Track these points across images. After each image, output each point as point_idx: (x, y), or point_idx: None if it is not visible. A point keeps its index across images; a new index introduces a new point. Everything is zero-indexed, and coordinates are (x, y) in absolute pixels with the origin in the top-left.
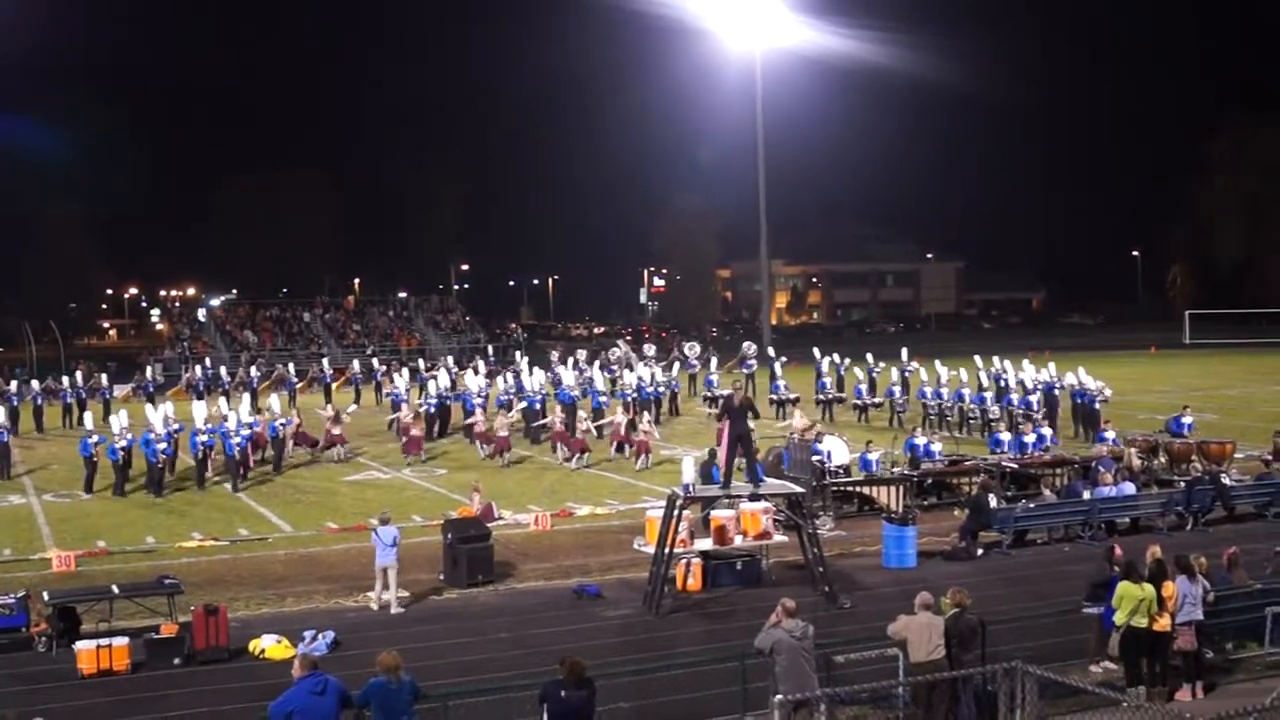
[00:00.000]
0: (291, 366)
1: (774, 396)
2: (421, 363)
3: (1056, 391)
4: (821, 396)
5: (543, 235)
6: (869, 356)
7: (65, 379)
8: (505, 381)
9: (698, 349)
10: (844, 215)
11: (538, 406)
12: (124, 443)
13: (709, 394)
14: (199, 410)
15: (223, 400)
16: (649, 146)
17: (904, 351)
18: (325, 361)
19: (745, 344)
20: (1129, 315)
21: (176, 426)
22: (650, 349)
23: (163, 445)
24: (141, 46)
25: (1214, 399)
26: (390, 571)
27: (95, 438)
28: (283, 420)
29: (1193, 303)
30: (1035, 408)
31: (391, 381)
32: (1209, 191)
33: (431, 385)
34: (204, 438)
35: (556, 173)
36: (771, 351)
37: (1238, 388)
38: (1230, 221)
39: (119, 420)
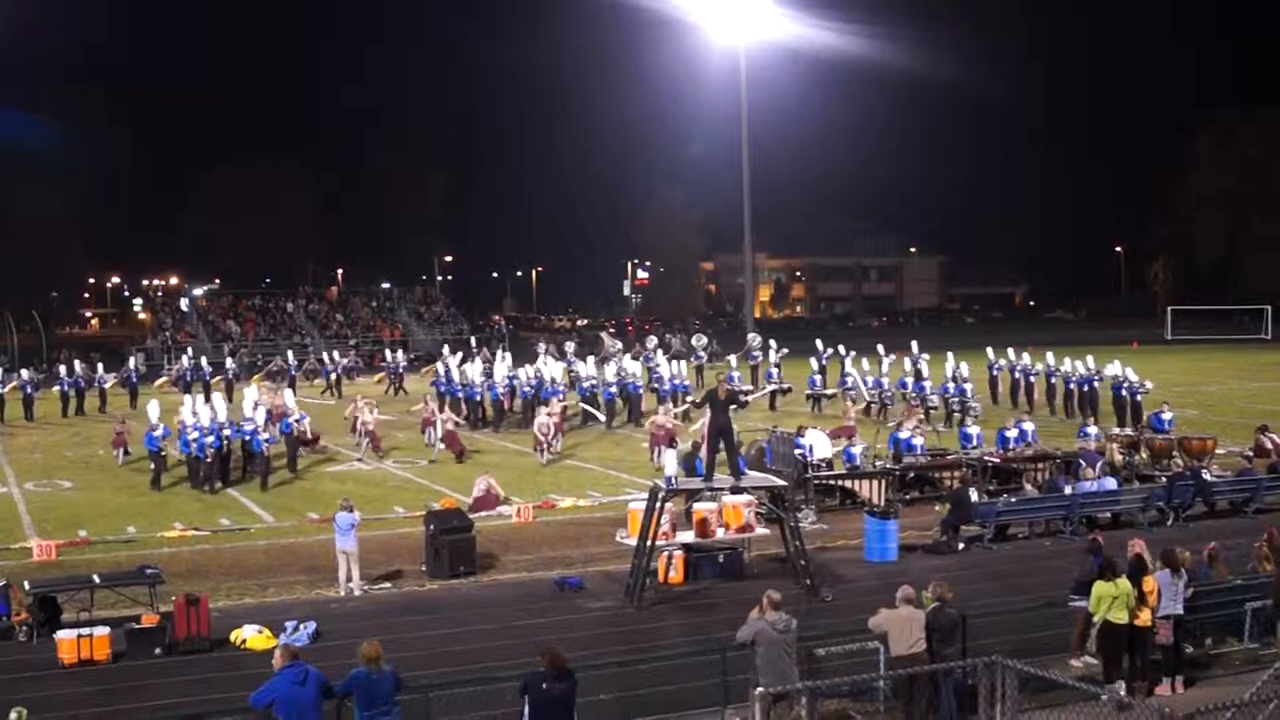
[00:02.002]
0: (291, 355)
1: (810, 391)
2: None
3: (1096, 384)
4: (810, 391)
5: (527, 227)
6: (880, 347)
7: (62, 368)
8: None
9: (705, 341)
10: (827, 209)
11: (562, 397)
12: (195, 434)
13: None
14: (219, 404)
15: (249, 391)
16: (633, 139)
17: (914, 344)
18: (290, 354)
19: (751, 335)
20: (1111, 311)
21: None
22: (652, 340)
23: (210, 439)
24: (126, 37)
25: (1195, 395)
26: (350, 557)
27: (160, 430)
28: (296, 416)
29: (1175, 299)
30: (970, 396)
31: (435, 372)
32: (1191, 188)
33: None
34: (227, 432)
35: (540, 164)
36: (773, 343)
37: (1219, 384)
38: (1212, 218)
39: (187, 412)
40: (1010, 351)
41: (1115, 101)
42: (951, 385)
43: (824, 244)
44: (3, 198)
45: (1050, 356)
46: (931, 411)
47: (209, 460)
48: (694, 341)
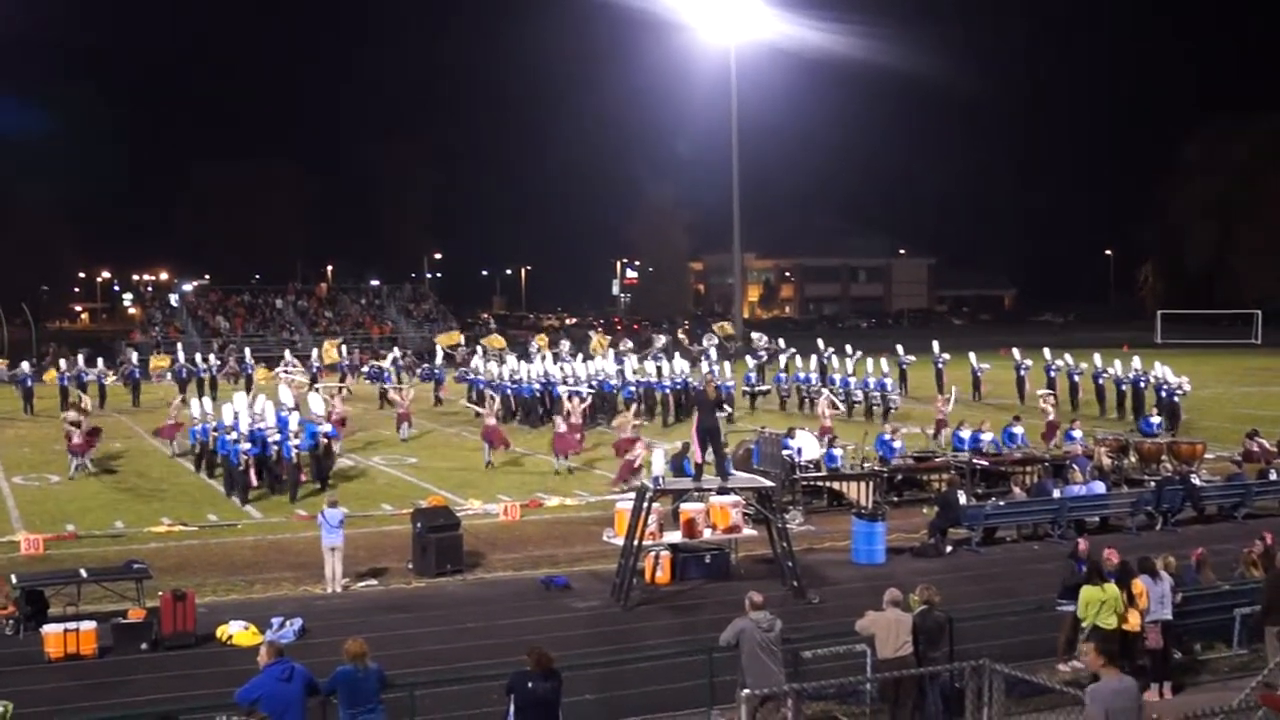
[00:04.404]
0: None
1: (746, 388)
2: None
3: (1142, 385)
4: (746, 388)
5: (516, 225)
6: (899, 348)
7: (63, 362)
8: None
9: (716, 340)
10: (817, 209)
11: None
12: (234, 437)
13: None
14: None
15: (283, 391)
16: (623, 138)
17: (935, 344)
18: (248, 351)
19: (756, 335)
20: (1100, 314)
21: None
22: (661, 339)
23: (247, 445)
24: (116, 30)
25: (1185, 399)
26: (336, 553)
27: (234, 434)
28: (326, 429)
29: (1164, 303)
30: (891, 389)
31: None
32: (1182, 193)
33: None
34: (245, 445)
35: (531, 163)
36: (782, 342)
37: (1208, 389)
38: (1202, 223)
39: (227, 414)
40: (1046, 352)
41: (1108, 105)
42: (872, 380)
43: (813, 244)
44: None
45: (1098, 357)
46: (855, 405)
47: (243, 469)
48: (705, 341)
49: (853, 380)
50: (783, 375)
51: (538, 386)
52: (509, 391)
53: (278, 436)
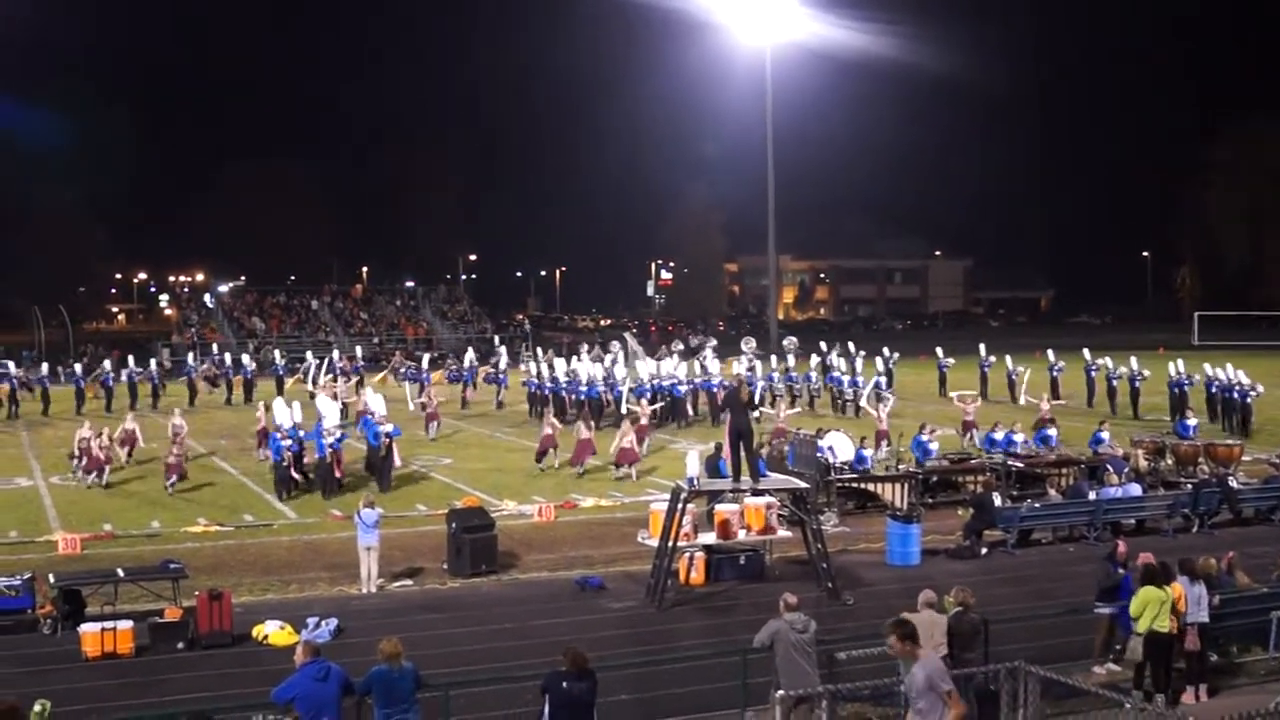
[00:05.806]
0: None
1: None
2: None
3: (1214, 389)
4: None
5: (551, 227)
6: (939, 351)
7: (107, 363)
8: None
9: (753, 343)
10: (852, 211)
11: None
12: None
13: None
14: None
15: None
16: (658, 139)
17: (982, 347)
18: (277, 353)
19: (786, 339)
20: (1137, 315)
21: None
22: (713, 341)
23: (289, 443)
24: (151, 32)
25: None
26: (371, 553)
27: (289, 440)
28: (388, 429)
29: (1201, 304)
30: (885, 388)
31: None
32: (1218, 193)
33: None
34: (288, 442)
35: (565, 164)
36: (824, 345)
37: None
38: (1238, 224)
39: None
40: (1086, 353)
41: (1144, 105)
42: (847, 378)
43: (848, 246)
44: (30, 195)
45: (1134, 360)
46: (849, 403)
47: (286, 464)
48: (743, 344)
49: (847, 379)
50: (774, 374)
51: (602, 388)
52: (562, 393)
53: (328, 435)
